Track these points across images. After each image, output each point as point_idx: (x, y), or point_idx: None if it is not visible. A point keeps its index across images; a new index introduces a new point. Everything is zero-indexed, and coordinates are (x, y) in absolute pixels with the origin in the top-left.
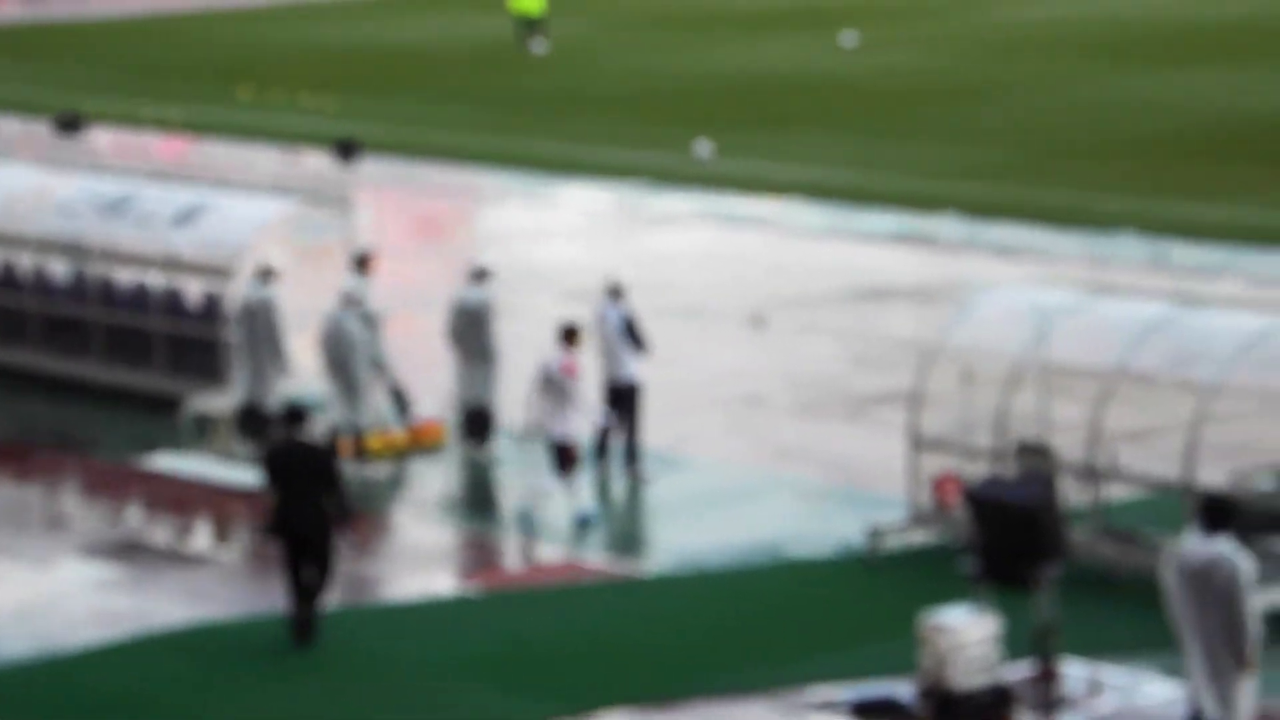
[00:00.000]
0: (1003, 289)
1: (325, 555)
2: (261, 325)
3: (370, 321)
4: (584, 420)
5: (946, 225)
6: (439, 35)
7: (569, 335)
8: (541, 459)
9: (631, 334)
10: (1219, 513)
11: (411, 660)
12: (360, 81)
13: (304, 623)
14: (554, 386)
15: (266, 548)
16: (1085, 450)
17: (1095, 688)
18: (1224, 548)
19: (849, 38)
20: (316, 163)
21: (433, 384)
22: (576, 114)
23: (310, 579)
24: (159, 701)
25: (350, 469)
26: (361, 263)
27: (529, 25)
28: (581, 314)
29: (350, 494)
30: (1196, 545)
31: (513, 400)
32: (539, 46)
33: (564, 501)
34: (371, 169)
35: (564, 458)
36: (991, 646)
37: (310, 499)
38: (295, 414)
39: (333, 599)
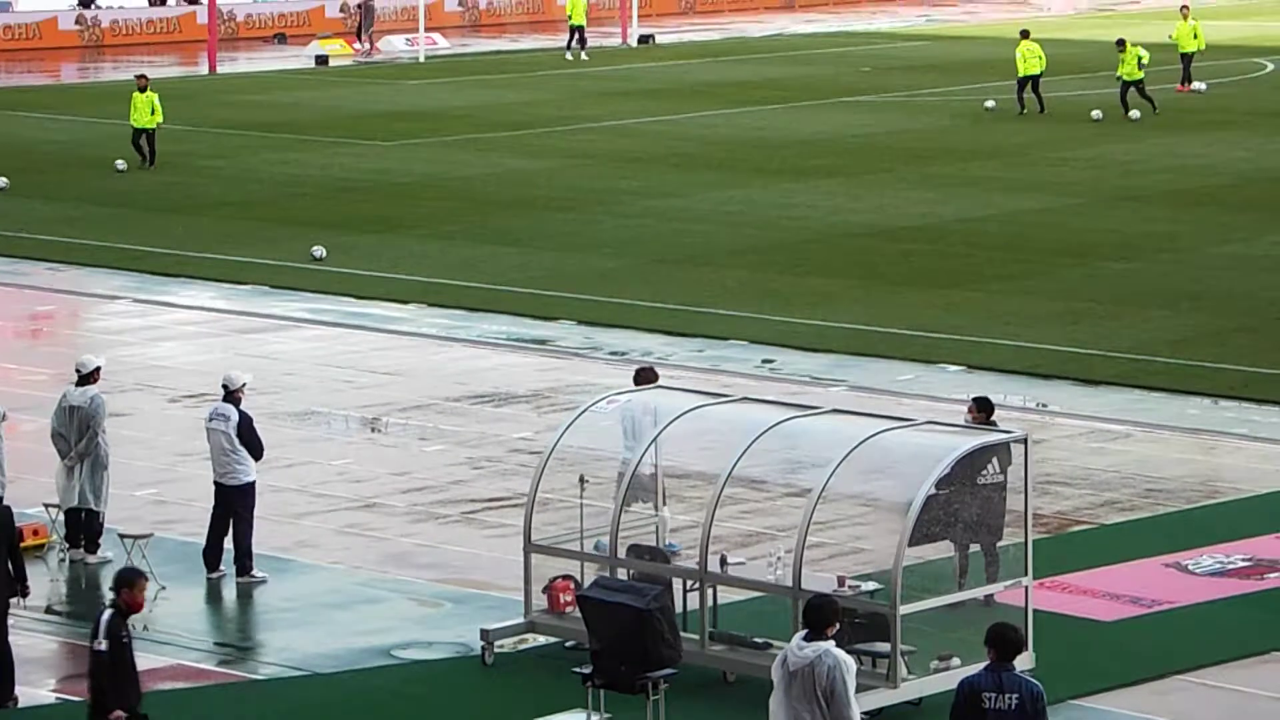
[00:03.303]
0: (617, 394)
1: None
2: None
3: None
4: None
5: (562, 330)
6: (43, 134)
7: (646, 376)
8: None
9: (246, 435)
10: (822, 615)
11: None
12: None
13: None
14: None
15: None
16: (697, 554)
17: None
18: (827, 649)
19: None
20: None
21: (37, 486)
22: (188, 215)
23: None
24: None
25: None
26: None
27: (148, 138)
28: (196, 416)
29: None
30: (801, 647)
31: (120, 503)
32: (123, 165)
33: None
34: None
35: None
36: None
37: (3, 561)
38: None
39: None
